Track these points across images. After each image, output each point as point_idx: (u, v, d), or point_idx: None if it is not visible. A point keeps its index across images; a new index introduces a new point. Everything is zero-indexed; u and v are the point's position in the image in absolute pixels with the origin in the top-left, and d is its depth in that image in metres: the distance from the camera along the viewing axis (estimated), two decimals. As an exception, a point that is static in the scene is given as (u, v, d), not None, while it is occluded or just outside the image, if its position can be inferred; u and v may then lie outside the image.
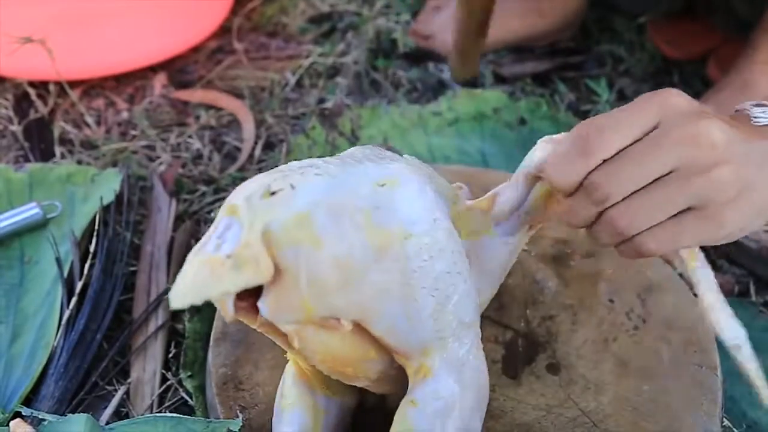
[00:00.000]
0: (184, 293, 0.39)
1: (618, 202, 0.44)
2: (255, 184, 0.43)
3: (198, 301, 0.39)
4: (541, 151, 0.52)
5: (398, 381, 0.50)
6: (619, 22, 1.09)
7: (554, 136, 0.52)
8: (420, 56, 1.06)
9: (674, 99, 0.45)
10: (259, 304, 0.42)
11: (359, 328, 0.46)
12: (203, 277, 0.39)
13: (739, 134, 0.45)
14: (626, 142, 0.44)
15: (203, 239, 0.42)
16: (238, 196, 0.43)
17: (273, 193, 0.42)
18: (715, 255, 0.79)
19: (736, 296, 0.75)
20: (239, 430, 0.54)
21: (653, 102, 0.45)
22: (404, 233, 0.45)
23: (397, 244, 0.45)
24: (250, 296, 0.43)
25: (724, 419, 0.61)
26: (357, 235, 0.44)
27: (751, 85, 0.80)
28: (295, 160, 0.83)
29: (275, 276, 0.41)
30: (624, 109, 0.46)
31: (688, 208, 0.44)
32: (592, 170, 0.44)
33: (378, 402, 0.54)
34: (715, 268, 0.78)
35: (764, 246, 0.76)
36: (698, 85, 1.00)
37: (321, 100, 1.00)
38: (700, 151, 0.43)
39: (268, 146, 0.94)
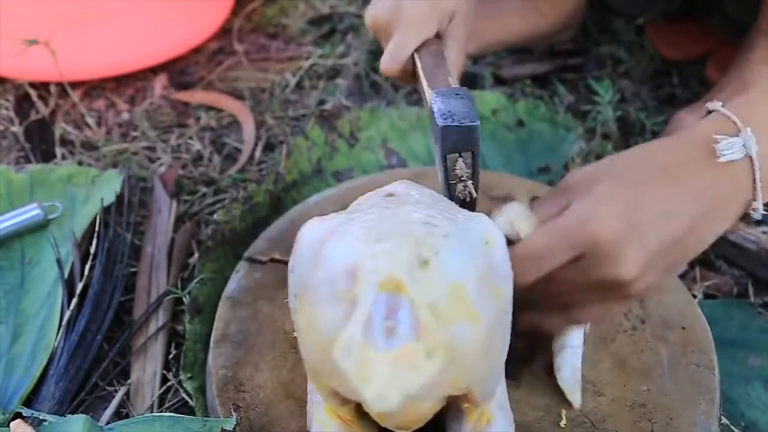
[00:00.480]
0: (389, 394, 0.35)
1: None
2: (403, 252, 0.39)
3: (405, 399, 0.35)
4: (499, 219, 0.51)
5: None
6: (619, 23, 1.09)
7: (508, 208, 0.51)
8: (419, 58, 1.06)
9: (598, 227, 0.47)
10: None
11: None
12: (404, 372, 0.36)
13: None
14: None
15: (360, 321, 0.37)
16: (394, 268, 0.38)
17: (426, 263, 0.39)
18: (715, 256, 0.79)
19: (734, 297, 0.75)
20: (238, 430, 0.54)
21: (581, 236, 0.48)
22: (505, 292, 0.44)
23: (503, 304, 0.43)
24: None
25: (722, 417, 0.62)
26: (491, 303, 0.41)
27: (749, 85, 0.80)
28: (295, 161, 0.84)
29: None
30: (558, 236, 0.48)
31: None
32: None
33: None
34: (714, 269, 0.78)
35: (763, 248, 0.76)
36: (697, 86, 1.00)
37: (321, 102, 1.01)
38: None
39: (268, 147, 0.94)
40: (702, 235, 0.51)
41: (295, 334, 0.47)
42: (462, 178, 0.55)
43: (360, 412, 0.47)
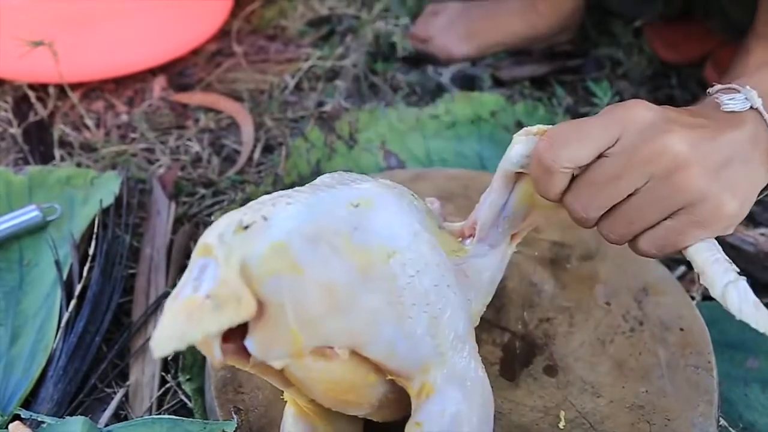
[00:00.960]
0: (165, 340, 0.37)
1: (602, 218, 0.48)
2: (226, 220, 0.42)
3: (181, 346, 0.37)
4: (519, 145, 0.50)
5: (400, 406, 0.49)
6: (617, 25, 1.10)
7: (528, 128, 0.51)
8: (419, 60, 1.06)
9: (637, 111, 0.47)
10: (247, 342, 0.40)
11: (355, 353, 0.45)
12: (183, 321, 0.37)
13: (703, 135, 0.47)
14: (591, 155, 0.47)
15: (179, 284, 0.40)
16: (210, 235, 0.41)
17: (246, 227, 0.41)
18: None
19: (733, 299, 0.75)
20: (237, 431, 0.54)
21: (616, 114, 0.47)
22: (386, 251, 0.44)
23: (381, 263, 0.44)
24: (236, 338, 0.41)
25: (720, 419, 0.62)
26: (338, 258, 0.42)
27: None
28: (294, 163, 0.84)
29: (259, 311, 0.40)
30: (588, 120, 0.48)
31: (676, 211, 0.47)
32: (570, 189, 0.48)
33: None
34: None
35: (761, 250, 0.76)
36: (695, 88, 1.00)
37: (320, 104, 1.01)
38: (666, 163, 0.46)
39: (267, 149, 0.94)
40: (740, 178, 0.48)
41: None
42: None
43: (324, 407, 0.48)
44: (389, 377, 0.47)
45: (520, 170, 0.51)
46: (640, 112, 0.47)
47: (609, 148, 0.47)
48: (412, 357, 0.46)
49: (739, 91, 0.51)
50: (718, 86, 0.53)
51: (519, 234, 0.56)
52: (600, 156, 0.47)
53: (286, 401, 0.51)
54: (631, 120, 0.46)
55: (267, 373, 0.44)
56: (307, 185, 0.48)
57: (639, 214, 0.47)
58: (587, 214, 0.48)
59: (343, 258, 0.43)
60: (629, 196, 0.47)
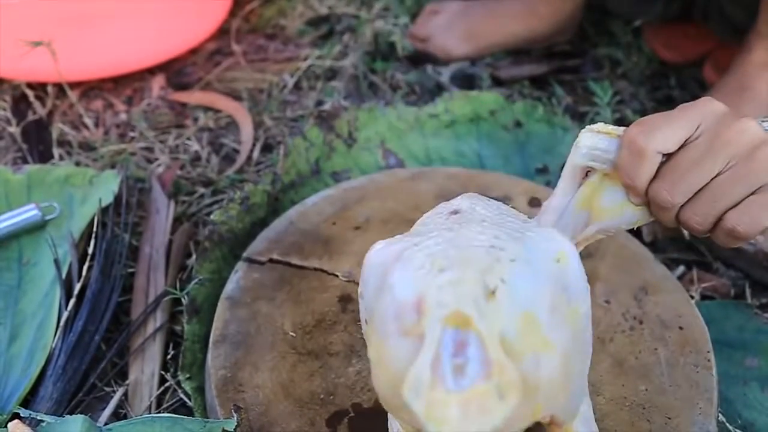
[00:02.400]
0: None
1: (685, 203, 0.50)
2: (469, 283, 0.37)
3: None
4: (587, 138, 0.51)
5: None
6: (616, 25, 1.10)
7: (591, 126, 0.52)
8: (418, 59, 1.06)
9: (711, 104, 0.50)
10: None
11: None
12: (475, 415, 0.34)
13: None
14: (679, 141, 0.49)
15: (427, 359, 0.36)
16: (460, 301, 0.37)
17: (493, 293, 0.37)
18: (712, 258, 0.79)
19: (732, 298, 0.76)
20: (238, 430, 0.54)
21: (694, 107, 0.50)
22: (584, 309, 0.42)
23: (583, 323, 0.42)
24: None
25: (720, 415, 0.62)
26: (565, 325, 0.40)
27: (747, 87, 0.81)
28: (293, 162, 0.84)
29: None
30: (671, 112, 0.50)
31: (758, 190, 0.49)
32: (656, 177, 0.50)
33: None
34: (712, 271, 0.78)
35: (760, 249, 0.76)
36: (695, 88, 1.00)
37: (319, 103, 1.01)
38: (747, 142, 0.48)
39: (266, 148, 0.94)
40: None
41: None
42: None
43: None
44: (546, 423, 0.44)
45: (589, 164, 0.52)
46: (715, 104, 0.50)
47: (691, 136, 0.49)
48: (575, 405, 0.44)
49: None
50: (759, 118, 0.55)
51: (579, 245, 0.54)
52: (683, 145, 0.50)
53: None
54: (708, 111, 0.50)
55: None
56: (459, 215, 0.45)
57: (723, 192, 0.49)
58: (673, 198, 0.49)
59: (567, 325, 0.40)
60: (712, 179, 0.49)
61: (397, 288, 0.40)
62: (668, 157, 0.50)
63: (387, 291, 0.40)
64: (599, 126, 0.52)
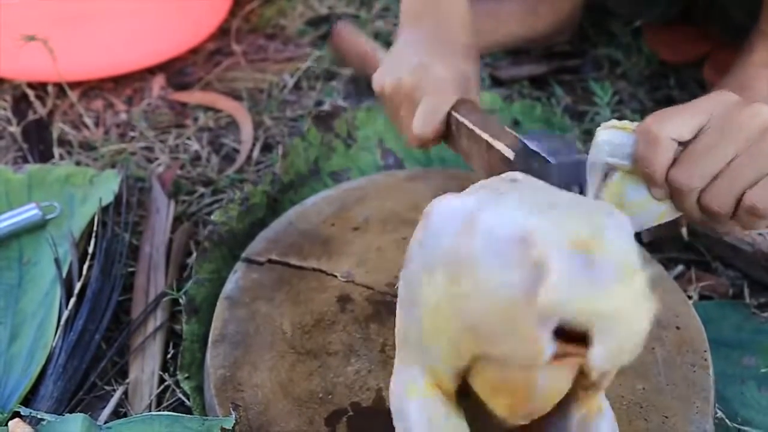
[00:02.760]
0: (640, 320, 0.36)
1: (705, 188, 0.51)
2: (583, 220, 0.39)
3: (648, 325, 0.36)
4: (604, 134, 0.52)
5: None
6: (616, 25, 1.10)
7: (606, 123, 0.53)
8: (417, 59, 1.06)
9: (724, 94, 0.52)
10: (594, 351, 0.38)
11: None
12: (641, 301, 0.36)
13: None
14: (693, 129, 0.51)
15: (561, 272, 0.36)
16: (580, 231, 0.38)
17: (601, 229, 0.39)
18: (711, 258, 0.79)
19: (730, 298, 0.76)
20: (237, 429, 0.54)
21: (706, 98, 0.52)
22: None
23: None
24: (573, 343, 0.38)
25: (717, 411, 0.62)
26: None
27: (748, 87, 0.81)
28: (292, 162, 0.84)
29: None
30: (681, 105, 0.52)
31: None
32: (674, 164, 0.51)
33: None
34: (710, 270, 0.79)
35: (759, 249, 0.76)
36: (694, 89, 1.01)
37: (319, 103, 1.01)
38: (759, 124, 0.50)
39: (266, 148, 0.94)
40: None
41: (423, 308, 0.44)
42: None
43: (459, 395, 0.46)
44: (586, 390, 0.45)
45: (609, 160, 0.52)
46: (726, 94, 0.52)
47: (705, 124, 0.51)
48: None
49: None
50: None
51: None
52: (699, 133, 0.51)
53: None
54: (721, 100, 0.52)
55: (510, 379, 0.42)
56: (519, 182, 0.46)
57: (739, 174, 0.50)
58: (691, 182, 0.51)
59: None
60: (729, 163, 0.50)
61: (496, 226, 0.40)
62: (684, 145, 0.51)
63: (478, 232, 0.41)
64: (615, 122, 0.53)
